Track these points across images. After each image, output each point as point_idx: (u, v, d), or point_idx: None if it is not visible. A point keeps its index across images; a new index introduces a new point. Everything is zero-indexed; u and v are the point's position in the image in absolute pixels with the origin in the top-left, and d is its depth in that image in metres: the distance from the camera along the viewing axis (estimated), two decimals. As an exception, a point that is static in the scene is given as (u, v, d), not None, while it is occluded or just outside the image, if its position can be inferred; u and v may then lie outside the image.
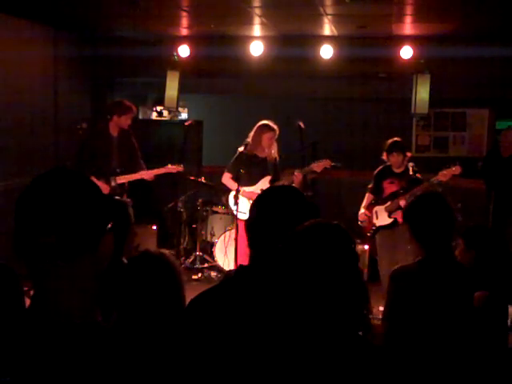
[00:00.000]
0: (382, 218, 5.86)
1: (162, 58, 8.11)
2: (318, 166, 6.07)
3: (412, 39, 7.56)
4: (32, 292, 1.35)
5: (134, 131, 6.72)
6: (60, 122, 7.58)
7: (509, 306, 2.96)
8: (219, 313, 1.84)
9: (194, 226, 7.77)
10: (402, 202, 5.59)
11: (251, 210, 2.00)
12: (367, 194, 6.11)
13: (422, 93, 7.55)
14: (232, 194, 6.38)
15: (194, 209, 7.65)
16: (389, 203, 5.81)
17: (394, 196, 5.78)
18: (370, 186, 6.12)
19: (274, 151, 6.33)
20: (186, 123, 7.67)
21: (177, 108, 8.52)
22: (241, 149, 6.30)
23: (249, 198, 6.15)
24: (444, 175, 5.43)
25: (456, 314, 2.69)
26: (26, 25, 6.94)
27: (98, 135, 6.15)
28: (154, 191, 8.08)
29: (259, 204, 1.99)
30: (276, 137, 6.28)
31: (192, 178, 7.43)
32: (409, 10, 6.46)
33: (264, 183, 6.19)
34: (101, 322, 1.37)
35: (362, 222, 6.02)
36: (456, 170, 5.44)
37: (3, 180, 6.30)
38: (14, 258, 1.37)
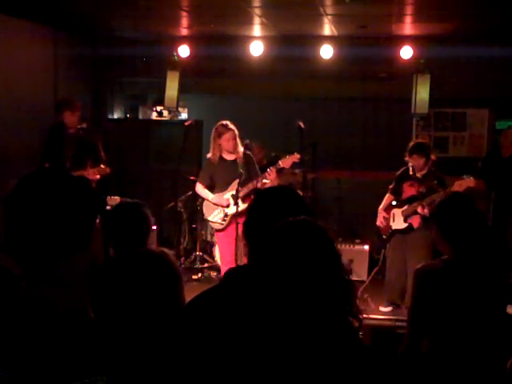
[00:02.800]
0: (398, 222, 5.83)
1: (162, 58, 8.11)
2: (284, 162, 5.79)
3: (412, 39, 7.56)
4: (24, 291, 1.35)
5: (133, 131, 6.71)
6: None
7: (509, 306, 2.96)
8: (218, 313, 1.84)
9: (193, 225, 7.77)
10: (419, 209, 5.55)
11: (247, 212, 2.04)
12: (387, 195, 6.07)
13: (421, 93, 7.55)
14: (205, 203, 6.12)
15: (194, 209, 7.65)
16: (406, 207, 5.77)
17: (411, 200, 5.74)
18: (391, 186, 6.08)
19: (239, 148, 5.88)
20: (186, 123, 7.66)
21: (177, 108, 8.52)
22: (209, 155, 5.97)
23: (219, 205, 5.89)
24: (459, 185, 5.40)
25: (483, 315, 2.71)
26: (26, 25, 6.94)
27: (82, 132, 6.20)
28: (153, 192, 8.10)
29: (253, 205, 2.02)
30: (235, 135, 5.81)
31: (192, 178, 7.42)
32: (409, 10, 6.46)
33: (234, 187, 5.79)
34: (93, 318, 1.37)
35: (380, 224, 5.97)
36: (471, 181, 5.42)
37: (3, 180, 6.30)
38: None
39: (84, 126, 6.21)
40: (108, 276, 2.74)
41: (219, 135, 5.82)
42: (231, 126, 5.82)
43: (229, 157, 5.92)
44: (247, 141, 6.10)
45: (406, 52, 7.55)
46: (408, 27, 7.28)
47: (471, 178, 5.43)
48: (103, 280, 2.72)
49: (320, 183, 7.73)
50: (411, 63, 7.61)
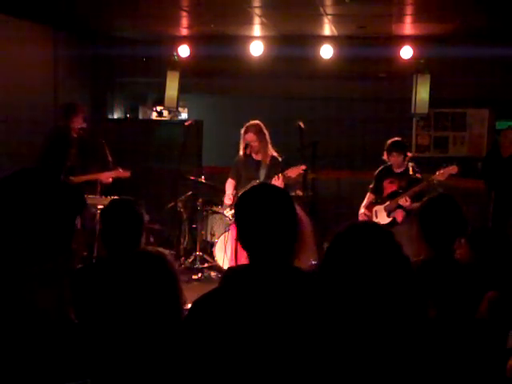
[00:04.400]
0: (381, 218, 5.89)
1: (161, 58, 8.11)
2: (291, 171, 6.09)
3: (412, 39, 7.56)
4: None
5: (133, 131, 6.70)
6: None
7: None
8: (226, 314, 1.84)
9: (194, 225, 7.77)
10: (402, 201, 5.64)
11: (235, 213, 2.04)
12: (368, 194, 6.14)
13: (422, 93, 7.55)
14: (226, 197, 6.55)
15: (194, 209, 7.64)
16: (388, 203, 5.84)
17: (393, 195, 5.81)
18: (370, 185, 6.15)
19: (267, 150, 6.21)
20: (186, 123, 7.66)
21: (177, 108, 8.52)
22: (241, 152, 6.30)
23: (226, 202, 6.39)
24: (442, 174, 5.48)
25: (461, 314, 2.71)
26: (26, 25, 6.94)
27: (57, 135, 6.17)
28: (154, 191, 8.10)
29: (240, 206, 2.01)
30: (257, 136, 6.13)
31: (192, 177, 7.42)
32: (409, 10, 6.46)
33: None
34: (75, 321, 1.36)
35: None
36: (453, 169, 5.49)
37: (3, 180, 6.30)
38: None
39: (84, 126, 6.20)
40: (99, 277, 2.69)
41: (244, 133, 6.16)
42: (255, 127, 6.09)
43: (256, 156, 6.25)
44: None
45: (406, 52, 7.55)
46: (408, 27, 7.28)
47: (454, 165, 5.47)
48: (93, 282, 2.67)
49: (320, 183, 7.72)
50: (411, 63, 7.61)
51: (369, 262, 1.78)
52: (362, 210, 6.08)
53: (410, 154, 6.01)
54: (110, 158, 6.29)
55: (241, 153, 6.29)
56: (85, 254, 5.92)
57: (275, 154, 6.33)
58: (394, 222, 5.78)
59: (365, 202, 6.11)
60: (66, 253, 1.36)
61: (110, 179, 6.20)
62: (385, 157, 5.98)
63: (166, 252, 2.67)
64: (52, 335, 1.29)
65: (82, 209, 2.79)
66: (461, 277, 2.75)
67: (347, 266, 1.80)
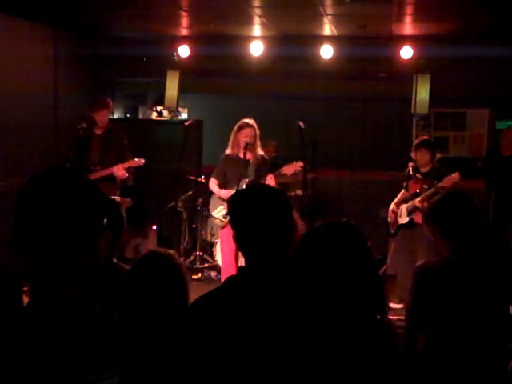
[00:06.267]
0: (403, 217, 5.99)
1: (161, 58, 8.11)
2: (287, 169, 5.91)
3: (412, 39, 7.56)
4: (30, 290, 1.35)
5: (133, 131, 6.68)
6: (60, 122, 7.58)
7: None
8: (225, 315, 1.84)
9: (194, 225, 7.77)
10: (416, 203, 5.68)
11: (229, 215, 2.03)
12: (402, 191, 6.20)
13: (422, 93, 7.55)
14: (213, 197, 6.14)
15: (194, 209, 7.65)
16: (410, 203, 5.89)
17: (415, 196, 5.86)
18: (404, 183, 6.21)
19: (257, 149, 5.94)
20: (186, 123, 7.66)
21: (177, 108, 8.52)
22: (227, 152, 6.02)
23: (225, 200, 5.94)
24: (447, 181, 5.54)
25: (483, 314, 2.70)
26: (26, 25, 6.94)
27: (82, 132, 6.08)
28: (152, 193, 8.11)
29: (235, 207, 2.01)
30: (255, 133, 5.88)
31: (192, 178, 7.42)
32: (409, 9, 6.46)
33: (241, 187, 5.70)
34: (100, 315, 1.37)
35: (390, 218, 6.09)
36: (455, 176, 5.57)
37: (3, 180, 6.30)
38: (14, 257, 1.37)
39: (84, 125, 6.18)
40: (118, 278, 2.70)
41: (239, 130, 5.87)
42: (253, 124, 5.87)
43: (244, 155, 5.94)
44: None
45: (406, 52, 7.55)
46: (408, 27, 7.28)
47: (456, 173, 5.56)
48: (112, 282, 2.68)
49: (320, 183, 7.73)
50: (411, 63, 7.61)
51: (333, 260, 1.77)
52: (392, 206, 6.12)
53: (439, 155, 6.06)
54: (126, 157, 6.10)
55: (228, 151, 6.00)
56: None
57: (262, 153, 6.06)
58: (412, 223, 5.83)
59: (397, 199, 6.17)
60: (93, 249, 1.37)
61: (126, 173, 5.94)
62: (413, 155, 6.01)
63: (175, 253, 2.66)
64: (79, 330, 1.30)
65: (109, 208, 2.79)
66: (483, 275, 2.74)
67: (312, 263, 1.79)
